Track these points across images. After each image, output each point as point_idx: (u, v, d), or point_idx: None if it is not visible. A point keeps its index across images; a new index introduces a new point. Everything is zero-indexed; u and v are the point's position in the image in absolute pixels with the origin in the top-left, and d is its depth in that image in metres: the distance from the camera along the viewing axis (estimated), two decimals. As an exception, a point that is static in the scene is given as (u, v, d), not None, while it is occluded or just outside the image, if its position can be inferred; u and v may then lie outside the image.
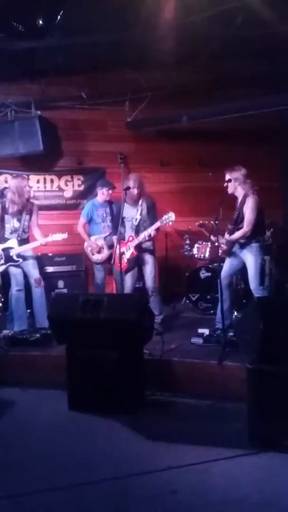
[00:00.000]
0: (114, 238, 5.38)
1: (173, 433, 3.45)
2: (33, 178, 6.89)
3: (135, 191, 5.19)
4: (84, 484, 2.83)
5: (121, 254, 5.07)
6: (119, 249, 4.96)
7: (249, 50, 5.85)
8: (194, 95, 6.57)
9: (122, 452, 3.23)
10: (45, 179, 6.97)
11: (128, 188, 5.10)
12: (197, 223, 6.33)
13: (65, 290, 6.29)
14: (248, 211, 4.75)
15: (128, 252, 5.20)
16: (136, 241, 5.16)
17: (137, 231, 5.20)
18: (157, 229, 5.16)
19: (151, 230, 5.08)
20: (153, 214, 5.27)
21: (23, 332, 5.00)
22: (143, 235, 5.11)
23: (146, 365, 4.05)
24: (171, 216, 4.99)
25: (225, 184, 4.87)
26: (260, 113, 6.08)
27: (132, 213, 5.22)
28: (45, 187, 6.97)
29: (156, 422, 3.65)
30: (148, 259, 5.26)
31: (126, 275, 5.26)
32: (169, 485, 2.80)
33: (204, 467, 2.98)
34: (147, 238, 5.12)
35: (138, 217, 5.22)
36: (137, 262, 5.27)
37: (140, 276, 5.42)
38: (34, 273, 5.27)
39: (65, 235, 5.27)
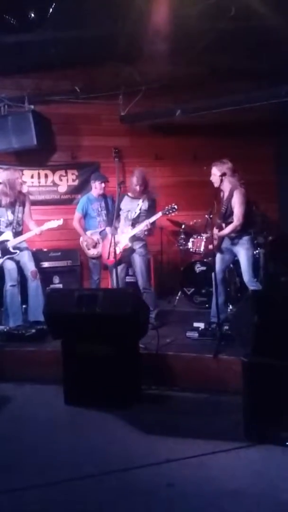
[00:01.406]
0: (108, 229, 5.37)
1: (169, 427, 3.46)
2: (27, 173, 6.86)
3: (138, 188, 5.18)
4: (81, 478, 2.84)
5: (115, 244, 5.08)
6: (113, 241, 4.96)
7: (243, 43, 5.82)
8: (188, 89, 6.55)
9: (119, 446, 3.24)
10: (39, 174, 6.95)
11: (123, 182, 5.10)
12: (191, 222, 6.35)
13: (60, 285, 6.28)
14: (237, 205, 4.75)
15: (122, 244, 5.18)
16: (132, 232, 5.15)
17: (134, 224, 5.19)
18: (153, 223, 5.19)
19: (151, 220, 5.09)
20: (152, 212, 5.27)
21: (19, 328, 5.00)
22: (142, 225, 5.10)
23: (141, 359, 4.05)
24: (174, 207, 5.08)
25: (212, 178, 4.85)
26: (254, 106, 6.07)
27: (132, 206, 5.20)
28: (39, 182, 6.94)
29: (152, 416, 3.65)
30: (139, 256, 5.25)
31: (117, 268, 5.26)
32: (166, 478, 2.81)
33: (200, 460, 2.99)
34: (144, 229, 5.11)
35: (138, 211, 5.22)
36: (128, 256, 5.25)
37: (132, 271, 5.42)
38: (30, 265, 5.25)
39: (60, 221, 5.27)
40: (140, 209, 5.22)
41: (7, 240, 5.16)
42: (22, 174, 6.70)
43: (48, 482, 2.81)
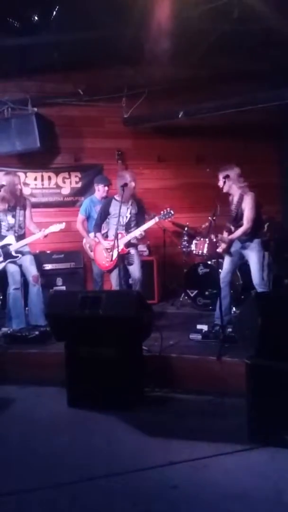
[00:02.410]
0: (99, 235, 5.36)
1: (173, 429, 3.45)
2: (31, 175, 6.87)
3: (131, 190, 5.18)
4: (85, 481, 2.83)
5: (111, 249, 5.08)
6: (116, 244, 4.95)
7: (246, 45, 5.83)
8: (191, 91, 6.56)
9: (122, 448, 3.24)
10: (42, 176, 6.95)
11: (126, 184, 5.08)
12: (202, 226, 6.33)
13: (63, 287, 6.28)
14: (247, 208, 4.75)
15: (119, 248, 5.13)
16: (128, 237, 5.16)
17: (127, 228, 5.20)
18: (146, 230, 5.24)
19: (146, 226, 5.10)
20: (141, 215, 5.31)
21: (22, 330, 5.00)
22: (138, 231, 5.10)
23: (145, 361, 4.04)
24: (170, 212, 5.08)
25: (220, 183, 4.85)
26: (257, 108, 6.07)
27: (122, 211, 5.14)
28: (42, 185, 6.94)
29: (155, 418, 3.65)
30: (134, 253, 5.27)
31: (112, 273, 5.26)
32: (169, 480, 2.80)
33: (203, 463, 2.98)
34: (139, 237, 5.13)
35: (128, 215, 5.22)
36: (122, 260, 5.22)
37: (125, 272, 5.40)
38: (31, 269, 5.26)
39: (62, 225, 5.27)
40: (130, 213, 5.23)
41: (10, 244, 5.17)
42: (26, 177, 6.73)
43: (50, 484, 2.80)
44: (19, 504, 2.67)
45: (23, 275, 5.28)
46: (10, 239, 5.19)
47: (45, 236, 5.22)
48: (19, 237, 5.24)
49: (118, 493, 2.73)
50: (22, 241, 5.23)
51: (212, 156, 6.79)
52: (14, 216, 5.25)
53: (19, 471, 2.99)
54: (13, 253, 5.16)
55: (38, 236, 5.21)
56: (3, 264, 5.15)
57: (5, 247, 5.17)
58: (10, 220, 5.24)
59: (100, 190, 6.03)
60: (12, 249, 5.16)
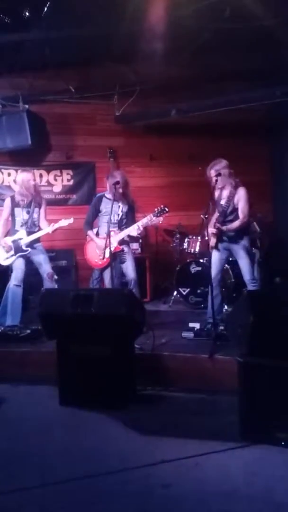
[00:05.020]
0: (91, 233, 5.33)
1: (165, 427, 3.45)
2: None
3: (121, 189, 5.17)
4: (76, 480, 2.82)
5: (105, 248, 5.07)
6: (108, 243, 4.93)
7: (238, 43, 5.83)
8: (183, 89, 6.56)
9: (114, 447, 3.23)
10: (33, 174, 6.90)
11: (118, 182, 5.07)
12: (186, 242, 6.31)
13: (55, 286, 6.25)
14: (242, 202, 4.74)
15: (112, 246, 5.08)
16: (122, 235, 5.14)
17: (119, 226, 5.20)
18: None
19: (140, 223, 5.08)
20: (132, 215, 5.30)
21: (14, 328, 4.97)
22: (133, 228, 5.08)
23: (137, 359, 4.04)
24: (164, 208, 5.05)
25: (215, 179, 4.77)
26: (249, 106, 6.09)
27: (113, 209, 5.11)
28: (34, 182, 6.90)
29: (148, 416, 3.64)
30: (127, 251, 5.26)
31: (105, 271, 5.24)
32: (161, 479, 2.80)
33: (196, 461, 2.99)
34: (138, 231, 5.11)
35: (120, 213, 5.21)
36: (115, 258, 5.19)
37: (119, 271, 5.38)
38: (46, 268, 5.31)
39: (71, 220, 5.28)
40: (122, 211, 5.22)
41: (21, 238, 5.22)
42: (17, 174, 6.67)
43: (43, 483, 2.79)
44: (9, 503, 2.66)
45: (35, 272, 5.28)
46: (21, 233, 5.25)
47: (54, 231, 5.24)
48: (30, 234, 5.28)
49: (110, 492, 2.73)
50: (32, 235, 5.27)
51: (204, 155, 6.76)
52: (28, 213, 5.29)
53: (9, 470, 2.97)
54: (24, 247, 5.20)
55: (47, 231, 5.25)
56: (14, 257, 5.18)
57: (16, 241, 5.21)
58: (25, 216, 5.28)
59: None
60: (22, 243, 5.19)
